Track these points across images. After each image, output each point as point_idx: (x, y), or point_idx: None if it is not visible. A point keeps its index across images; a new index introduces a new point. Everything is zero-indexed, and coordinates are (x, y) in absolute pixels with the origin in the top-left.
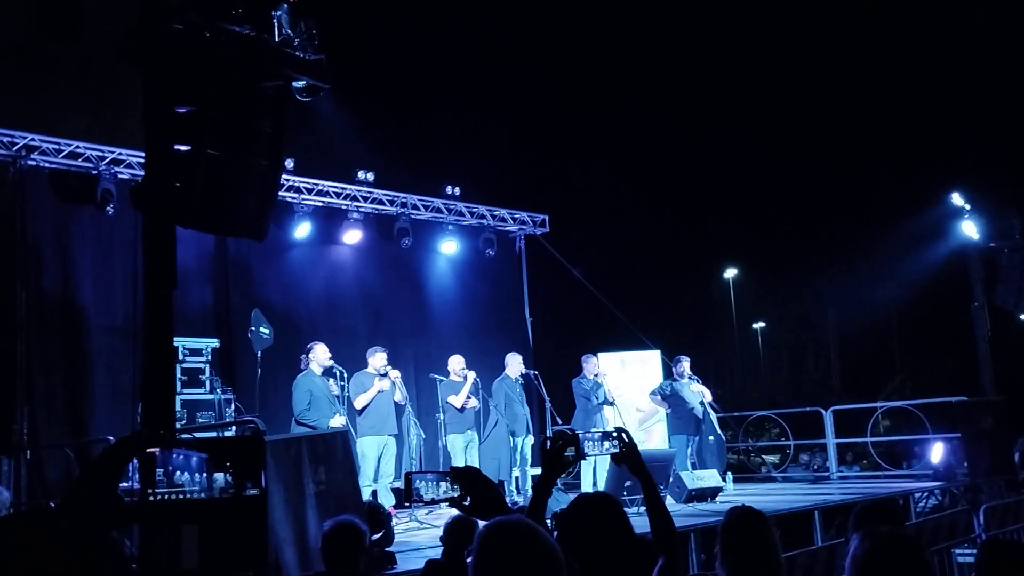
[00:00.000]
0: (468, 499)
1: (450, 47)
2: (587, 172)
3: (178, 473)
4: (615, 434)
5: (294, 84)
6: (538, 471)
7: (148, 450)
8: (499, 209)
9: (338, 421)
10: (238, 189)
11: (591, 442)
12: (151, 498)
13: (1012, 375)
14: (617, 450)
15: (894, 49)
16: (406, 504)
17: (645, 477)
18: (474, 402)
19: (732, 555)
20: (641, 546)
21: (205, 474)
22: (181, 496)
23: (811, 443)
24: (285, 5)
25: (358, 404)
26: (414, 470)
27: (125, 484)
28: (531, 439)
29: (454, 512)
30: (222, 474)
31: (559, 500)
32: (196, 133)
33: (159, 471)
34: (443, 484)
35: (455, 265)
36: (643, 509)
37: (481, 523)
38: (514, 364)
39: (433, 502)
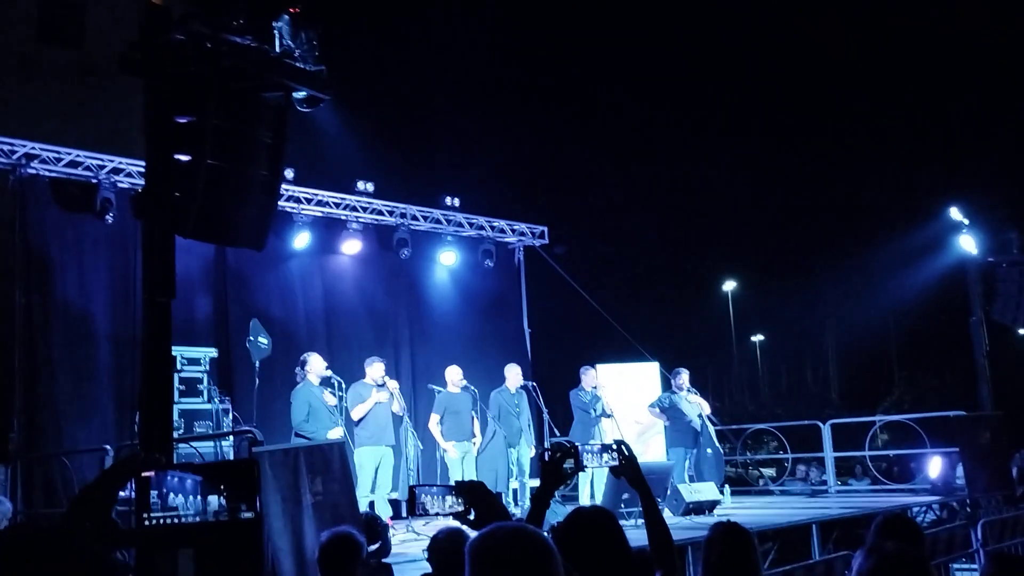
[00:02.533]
0: (472, 513)
1: (451, 59)
2: (587, 184)
3: (172, 496)
4: (614, 446)
5: (295, 95)
6: (537, 483)
7: (144, 473)
8: (498, 220)
9: (336, 432)
10: (238, 199)
11: (590, 454)
12: (147, 523)
13: (1010, 390)
14: (616, 462)
15: (892, 62)
16: (403, 516)
17: (644, 490)
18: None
19: (714, 571)
20: (638, 560)
21: (200, 497)
22: (176, 520)
23: (809, 456)
24: (286, 16)
25: (355, 415)
26: (414, 482)
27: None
28: (530, 451)
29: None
30: (216, 497)
31: (556, 512)
32: (197, 143)
33: (154, 494)
34: (448, 498)
35: (454, 276)
36: (640, 522)
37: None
38: (512, 376)
39: (438, 515)
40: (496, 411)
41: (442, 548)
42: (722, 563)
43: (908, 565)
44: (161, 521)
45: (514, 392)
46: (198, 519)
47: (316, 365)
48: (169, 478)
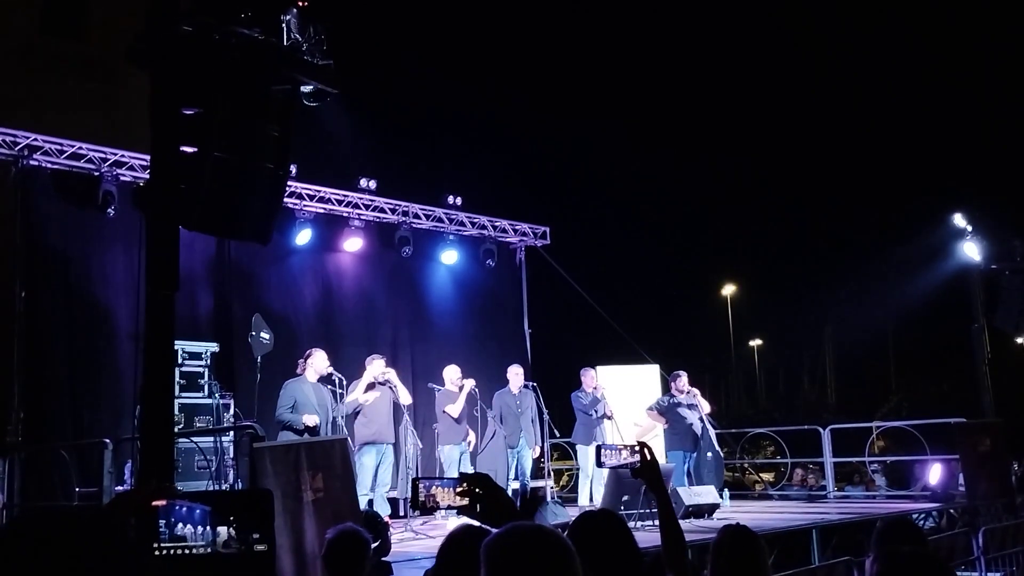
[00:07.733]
0: (479, 506)
1: (455, 58)
2: (589, 187)
3: (180, 525)
4: (637, 447)
5: (302, 88)
6: (538, 484)
7: (154, 503)
8: (500, 220)
9: (311, 420)
10: (244, 192)
11: (611, 451)
12: (156, 553)
13: (1011, 397)
14: (638, 463)
15: (897, 70)
16: (402, 515)
17: (661, 493)
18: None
19: (722, 575)
20: (647, 562)
21: (209, 527)
22: (187, 551)
23: (807, 461)
24: (294, 9)
25: (352, 397)
26: (418, 476)
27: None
28: (531, 452)
29: (449, 525)
30: (226, 527)
31: (556, 514)
32: (203, 135)
33: (162, 523)
34: (456, 490)
35: (455, 275)
36: (639, 524)
37: (492, 530)
38: (513, 377)
39: (448, 508)
40: (498, 412)
41: (457, 546)
42: (731, 568)
43: (927, 567)
44: (172, 551)
45: (516, 393)
46: (209, 550)
47: (318, 362)
48: (177, 507)
